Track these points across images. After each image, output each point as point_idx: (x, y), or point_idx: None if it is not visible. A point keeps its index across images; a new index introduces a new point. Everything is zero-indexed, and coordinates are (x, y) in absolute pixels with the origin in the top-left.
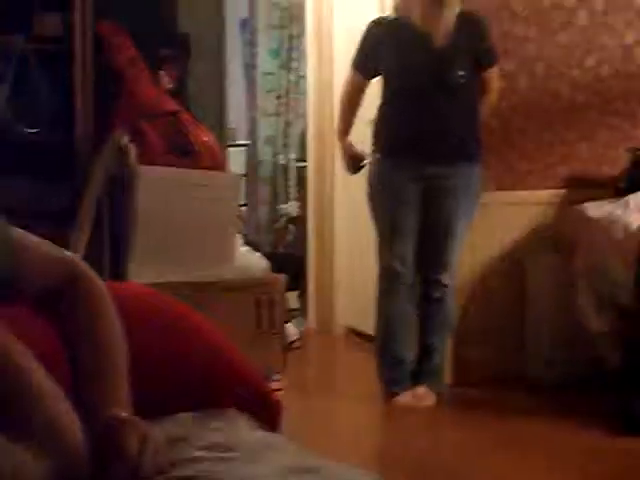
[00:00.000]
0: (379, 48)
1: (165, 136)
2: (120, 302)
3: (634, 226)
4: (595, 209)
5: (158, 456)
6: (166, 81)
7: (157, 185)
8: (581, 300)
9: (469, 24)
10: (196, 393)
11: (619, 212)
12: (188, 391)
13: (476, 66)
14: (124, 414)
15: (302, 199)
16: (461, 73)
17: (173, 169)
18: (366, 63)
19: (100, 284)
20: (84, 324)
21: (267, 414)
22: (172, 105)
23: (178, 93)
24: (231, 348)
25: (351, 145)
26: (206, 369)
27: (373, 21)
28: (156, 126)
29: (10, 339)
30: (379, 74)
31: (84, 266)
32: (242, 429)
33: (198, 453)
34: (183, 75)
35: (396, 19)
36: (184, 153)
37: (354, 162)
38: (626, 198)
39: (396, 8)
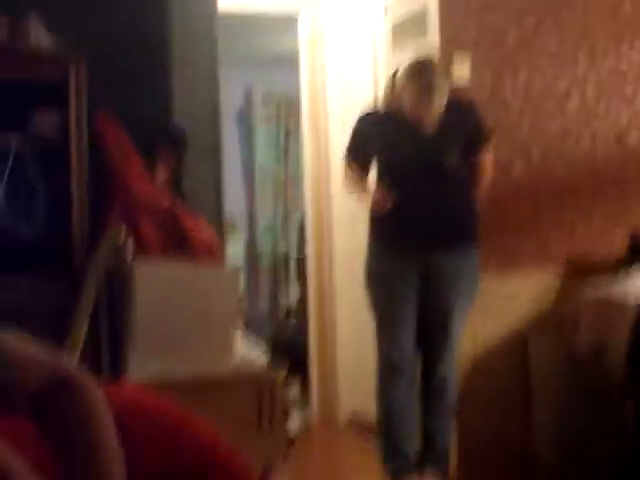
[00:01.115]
0: (369, 140)
1: (162, 231)
2: (116, 408)
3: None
4: (595, 289)
5: None
6: (162, 175)
7: (155, 280)
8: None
9: (458, 108)
10: None
11: (618, 291)
12: None
13: (468, 150)
14: None
15: (303, 290)
16: (454, 158)
17: (171, 263)
18: (358, 156)
19: (93, 389)
20: (76, 432)
21: None
22: (168, 199)
23: (174, 187)
24: (230, 454)
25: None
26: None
27: (362, 114)
28: (153, 221)
29: (9, 454)
30: (371, 164)
31: (76, 370)
32: None
33: None
34: (179, 169)
35: (385, 110)
36: (181, 248)
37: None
38: (624, 280)
39: (386, 99)
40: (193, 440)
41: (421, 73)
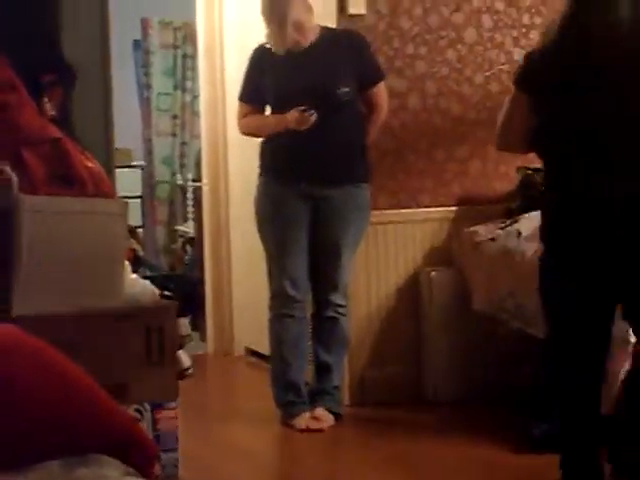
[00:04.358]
0: (261, 74)
1: (47, 165)
2: None
3: (529, 255)
4: (487, 236)
5: None
6: (49, 108)
7: (41, 215)
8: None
9: (349, 41)
10: (62, 440)
11: (514, 243)
12: (54, 438)
13: (360, 84)
14: None
15: (199, 219)
16: (345, 90)
17: (57, 198)
18: (252, 92)
19: None
20: None
21: (139, 457)
22: (55, 132)
23: (62, 120)
24: (99, 392)
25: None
26: (73, 414)
27: (255, 49)
28: (38, 155)
29: None
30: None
31: None
32: (110, 476)
33: None
34: (67, 101)
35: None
36: (67, 181)
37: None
38: (517, 226)
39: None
40: (65, 379)
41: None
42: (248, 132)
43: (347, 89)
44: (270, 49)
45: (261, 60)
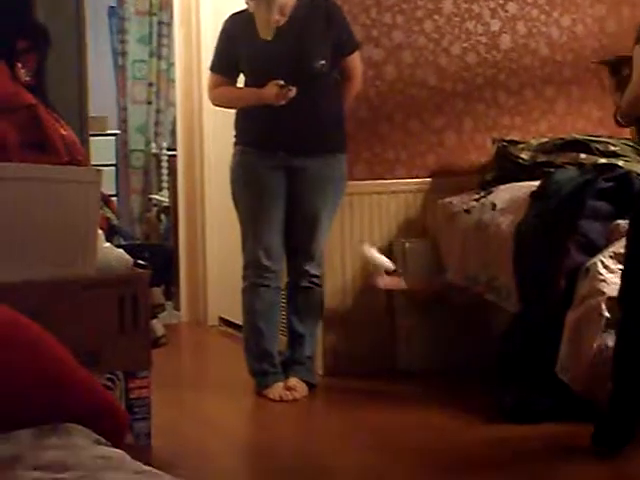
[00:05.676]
0: (235, 44)
1: (21, 131)
2: None
3: (503, 227)
4: (462, 207)
5: None
6: (23, 74)
7: (13, 182)
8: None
9: (324, 11)
10: (33, 408)
11: (488, 216)
12: (25, 406)
13: (336, 53)
14: None
15: (174, 188)
16: (322, 62)
17: (30, 165)
18: (225, 63)
19: None
20: None
21: (111, 426)
22: (29, 98)
23: (36, 86)
24: (71, 361)
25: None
26: (44, 383)
27: (227, 19)
28: (12, 121)
29: None
30: (240, 71)
31: None
32: (80, 445)
33: (33, 474)
34: (41, 67)
35: (250, 13)
36: (41, 149)
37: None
38: (491, 198)
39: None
40: (36, 348)
41: None
42: (220, 104)
43: (323, 61)
44: (244, 19)
45: (234, 30)
